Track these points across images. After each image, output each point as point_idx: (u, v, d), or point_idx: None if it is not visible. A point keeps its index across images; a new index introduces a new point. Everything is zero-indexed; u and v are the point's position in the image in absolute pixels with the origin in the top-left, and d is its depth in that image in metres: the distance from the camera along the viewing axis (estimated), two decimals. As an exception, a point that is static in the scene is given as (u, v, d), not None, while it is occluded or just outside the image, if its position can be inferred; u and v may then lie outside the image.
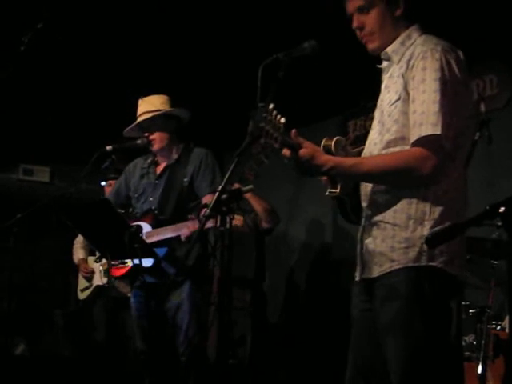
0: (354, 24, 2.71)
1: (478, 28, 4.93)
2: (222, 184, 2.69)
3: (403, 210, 2.54)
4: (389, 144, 2.59)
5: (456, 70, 2.51)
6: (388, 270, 2.55)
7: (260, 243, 5.89)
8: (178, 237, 4.24)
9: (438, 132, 2.42)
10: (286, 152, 2.47)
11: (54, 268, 8.28)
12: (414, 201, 2.52)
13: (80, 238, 6.30)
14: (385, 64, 2.75)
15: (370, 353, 2.66)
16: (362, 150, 2.78)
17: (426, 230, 2.48)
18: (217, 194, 2.71)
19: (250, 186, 5.04)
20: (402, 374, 2.50)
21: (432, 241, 2.10)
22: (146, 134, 4.57)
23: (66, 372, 6.85)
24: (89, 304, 6.19)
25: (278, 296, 7.02)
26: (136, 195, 4.69)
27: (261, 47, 3.61)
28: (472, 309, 4.14)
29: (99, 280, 6.04)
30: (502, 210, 1.86)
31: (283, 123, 2.42)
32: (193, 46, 5.64)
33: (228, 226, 2.99)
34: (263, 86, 2.58)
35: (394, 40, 2.68)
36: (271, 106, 2.41)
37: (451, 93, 2.47)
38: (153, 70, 5.93)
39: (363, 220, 2.72)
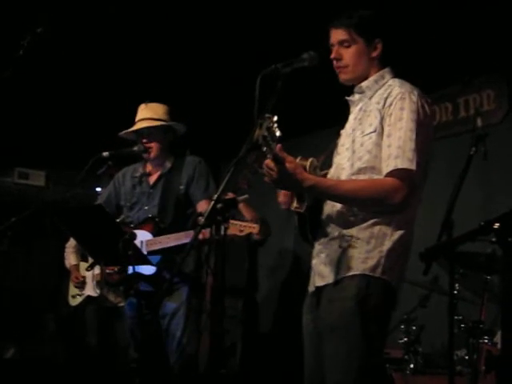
0: (333, 55, 2.93)
1: (476, 43, 4.95)
2: (218, 193, 2.70)
3: (367, 228, 2.77)
4: (359, 171, 2.80)
5: (428, 113, 2.79)
6: (343, 275, 2.76)
7: (253, 253, 5.89)
8: (180, 245, 4.24)
9: (413, 168, 2.67)
10: (269, 163, 2.59)
11: (47, 272, 8.26)
12: (379, 222, 2.77)
13: (72, 242, 6.27)
14: (356, 97, 2.98)
15: (320, 368, 2.82)
16: (327, 173, 2.99)
17: (384, 247, 2.74)
18: (212, 203, 2.71)
19: (245, 196, 5.04)
20: (335, 376, 2.70)
21: (426, 256, 2.11)
22: (144, 141, 4.57)
23: (56, 376, 6.83)
24: (79, 310, 6.16)
25: (270, 306, 7.01)
26: (128, 204, 4.69)
27: (259, 57, 3.62)
28: (464, 323, 4.14)
29: (91, 291, 6.01)
30: (496, 226, 1.87)
31: (278, 136, 2.50)
32: (190, 55, 5.65)
33: (222, 234, 2.99)
34: (261, 95, 2.60)
35: (364, 77, 2.94)
36: (275, 118, 2.49)
37: (424, 133, 2.73)
38: (150, 78, 5.93)
39: (322, 236, 2.90)
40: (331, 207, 2.87)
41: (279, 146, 2.53)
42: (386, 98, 2.80)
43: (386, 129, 2.75)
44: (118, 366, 5.82)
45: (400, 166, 2.67)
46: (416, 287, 4.83)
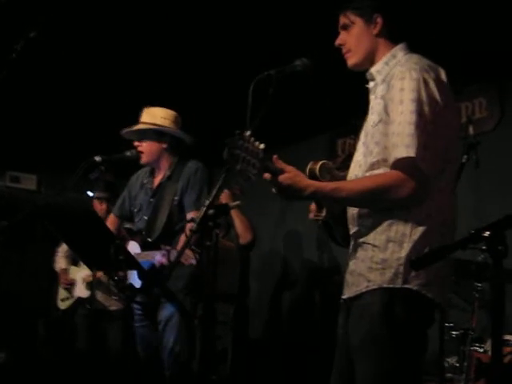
0: (337, 41, 2.81)
1: (468, 51, 4.97)
2: (210, 199, 2.69)
3: (383, 231, 2.55)
4: (372, 166, 2.61)
5: (434, 90, 2.51)
6: (364, 290, 2.57)
7: (245, 258, 5.88)
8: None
9: (412, 154, 2.43)
10: (267, 176, 2.50)
11: (38, 276, 8.23)
12: (395, 223, 2.54)
13: (63, 247, 6.28)
14: (371, 84, 2.79)
15: (349, 374, 2.63)
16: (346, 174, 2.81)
17: (404, 252, 2.50)
18: (204, 208, 2.71)
19: (237, 202, 5.05)
20: None
21: (416, 263, 2.11)
22: (136, 144, 4.54)
23: (46, 381, 6.81)
24: (69, 314, 6.15)
25: (261, 312, 7.01)
26: (135, 210, 4.65)
27: (254, 63, 3.62)
28: (455, 331, 4.15)
29: (81, 292, 6.01)
30: (486, 234, 1.87)
31: (262, 149, 2.45)
32: (186, 60, 5.65)
33: (214, 241, 2.99)
34: (254, 101, 2.60)
35: (372, 57, 2.76)
36: (248, 133, 2.43)
37: (429, 113, 2.48)
38: (145, 82, 5.93)
39: (351, 243, 2.73)
40: (351, 211, 2.70)
41: (275, 156, 2.49)
42: (390, 81, 2.60)
43: (390, 115, 2.53)
44: (108, 369, 5.81)
45: (398, 156, 2.45)
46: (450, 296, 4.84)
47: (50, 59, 5.62)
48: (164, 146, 4.54)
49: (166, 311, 4.36)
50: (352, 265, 2.68)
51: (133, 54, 5.59)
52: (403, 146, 2.44)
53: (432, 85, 2.52)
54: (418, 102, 2.47)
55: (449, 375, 4.05)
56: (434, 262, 2.07)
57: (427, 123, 2.47)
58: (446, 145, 2.55)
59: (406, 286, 2.48)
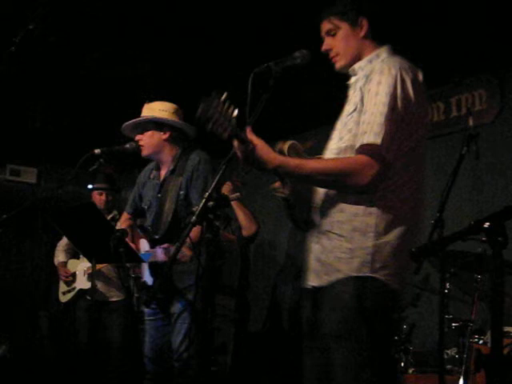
0: (323, 47, 2.89)
1: (468, 43, 4.96)
2: (209, 191, 2.69)
3: (349, 221, 2.63)
4: (340, 151, 2.70)
5: (409, 89, 2.62)
6: (334, 280, 2.65)
7: (245, 251, 5.88)
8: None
9: (379, 142, 2.52)
10: (234, 143, 2.54)
11: (39, 269, 8.25)
12: (360, 213, 2.62)
13: (63, 241, 6.28)
14: (352, 79, 2.88)
15: (324, 360, 2.71)
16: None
17: (369, 242, 2.59)
18: (203, 200, 2.71)
19: (238, 194, 5.03)
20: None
21: (416, 254, 2.11)
22: (137, 138, 4.52)
23: (48, 374, 6.83)
24: (71, 306, 6.16)
25: (262, 304, 7.02)
26: (146, 207, 4.61)
27: (253, 55, 3.61)
28: (455, 322, 4.15)
29: (82, 284, 6.02)
30: (486, 225, 1.87)
31: (235, 116, 2.46)
32: (186, 51, 5.63)
33: (214, 233, 2.98)
34: (253, 93, 2.60)
35: (359, 59, 2.85)
36: (224, 95, 2.45)
37: (401, 109, 2.58)
38: (145, 74, 5.92)
39: (312, 228, 2.80)
40: (316, 195, 2.78)
41: (249, 128, 2.53)
42: (368, 75, 2.70)
43: (365, 105, 2.63)
44: (108, 360, 5.83)
45: (365, 141, 2.54)
46: (407, 286, 4.85)
47: (51, 53, 5.60)
48: (164, 136, 4.47)
49: (180, 304, 4.33)
50: (318, 253, 2.74)
51: (132, 45, 5.56)
52: (372, 133, 2.54)
53: (408, 84, 2.62)
54: (393, 97, 2.57)
55: (448, 367, 4.06)
56: (434, 253, 2.07)
57: (398, 117, 2.57)
58: (415, 140, 2.64)
59: (374, 275, 2.58)
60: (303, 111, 6.49)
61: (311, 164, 2.63)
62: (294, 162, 2.62)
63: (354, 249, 2.60)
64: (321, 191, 2.76)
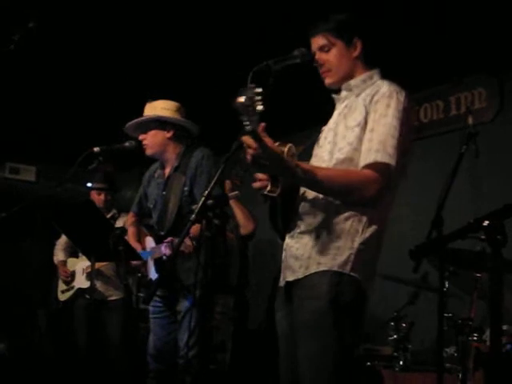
0: (315, 62, 2.93)
1: (468, 42, 4.96)
2: (208, 189, 2.70)
3: (339, 223, 2.73)
4: (337, 161, 2.77)
5: (410, 117, 2.79)
6: (313, 271, 2.73)
7: (244, 249, 5.89)
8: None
9: (393, 163, 2.66)
10: (247, 139, 2.43)
11: (38, 267, 8.25)
12: (351, 219, 2.73)
13: (62, 240, 6.28)
14: (343, 94, 2.96)
15: (294, 366, 2.77)
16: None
17: (355, 245, 2.71)
18: (202, 199, 2.71)
19: (236, 192, 5.03)
20: (310, 375, 2.67)
21: (416, 253, 2.12)
22: (140, 138, 4.51)
23: (46, 372, 6.83)
24: (70, 305, 6.15)
25: (261, 302, 7.02)
26: (151, 206, 4.61)
27: (253, 53, 3.61)
28: (454, 321, 4.15)
29: (81, 283, 6.01)
30: (485, 223, 1.88)
31: (260, 110, 2.36)
32: (187, 49, 5.62)
33: (213, 231, 2.99)
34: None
35: (349, 78, 2.93)
36: (260, 89, 2.39)
37: (405, 134, 2.71)
38: (147, 72, 5.91)
39: (294, 228, 2.85)
40: (305, 197, 2.82)
41: (262, 124, 2.42)
42: (374, 95, 2.78)
43: (370, 124, 2.73)
44: (107, 359, 5.82)
45: (380, 160, 2.65)
46: (406, 284, 4.86)
47: (49, 51, 5.60)
48: (168, 135, 4.47)
49: (187, 302, 4.33)
50: (294, 250, 2.82)
51: (133, 43, 5.56)
52: (386, 153, 2.66)
53: (409, 112, 2.78)
54: (401, 122, 2.70)
55: (447, 365, 4.06)
56: (433, 251, 2.07)
57: (402, 142, 2.70)
58: (404, 162, 2.77)
59: (352, 273, 2.69)
60: (295, 112, 6.47)
61: (323, 172, 2.69)
62: (307, 166, 2.66)
63: (340, 247, 2.71)
64: (311, 193, 2.79)
